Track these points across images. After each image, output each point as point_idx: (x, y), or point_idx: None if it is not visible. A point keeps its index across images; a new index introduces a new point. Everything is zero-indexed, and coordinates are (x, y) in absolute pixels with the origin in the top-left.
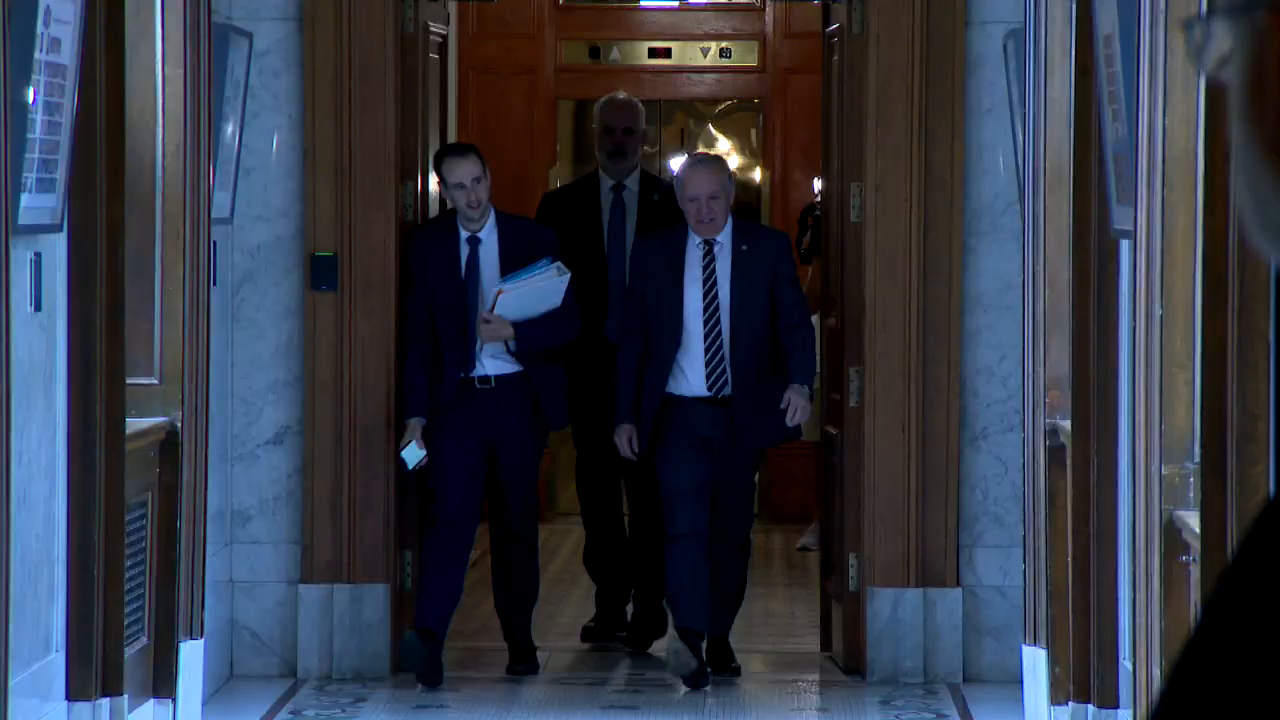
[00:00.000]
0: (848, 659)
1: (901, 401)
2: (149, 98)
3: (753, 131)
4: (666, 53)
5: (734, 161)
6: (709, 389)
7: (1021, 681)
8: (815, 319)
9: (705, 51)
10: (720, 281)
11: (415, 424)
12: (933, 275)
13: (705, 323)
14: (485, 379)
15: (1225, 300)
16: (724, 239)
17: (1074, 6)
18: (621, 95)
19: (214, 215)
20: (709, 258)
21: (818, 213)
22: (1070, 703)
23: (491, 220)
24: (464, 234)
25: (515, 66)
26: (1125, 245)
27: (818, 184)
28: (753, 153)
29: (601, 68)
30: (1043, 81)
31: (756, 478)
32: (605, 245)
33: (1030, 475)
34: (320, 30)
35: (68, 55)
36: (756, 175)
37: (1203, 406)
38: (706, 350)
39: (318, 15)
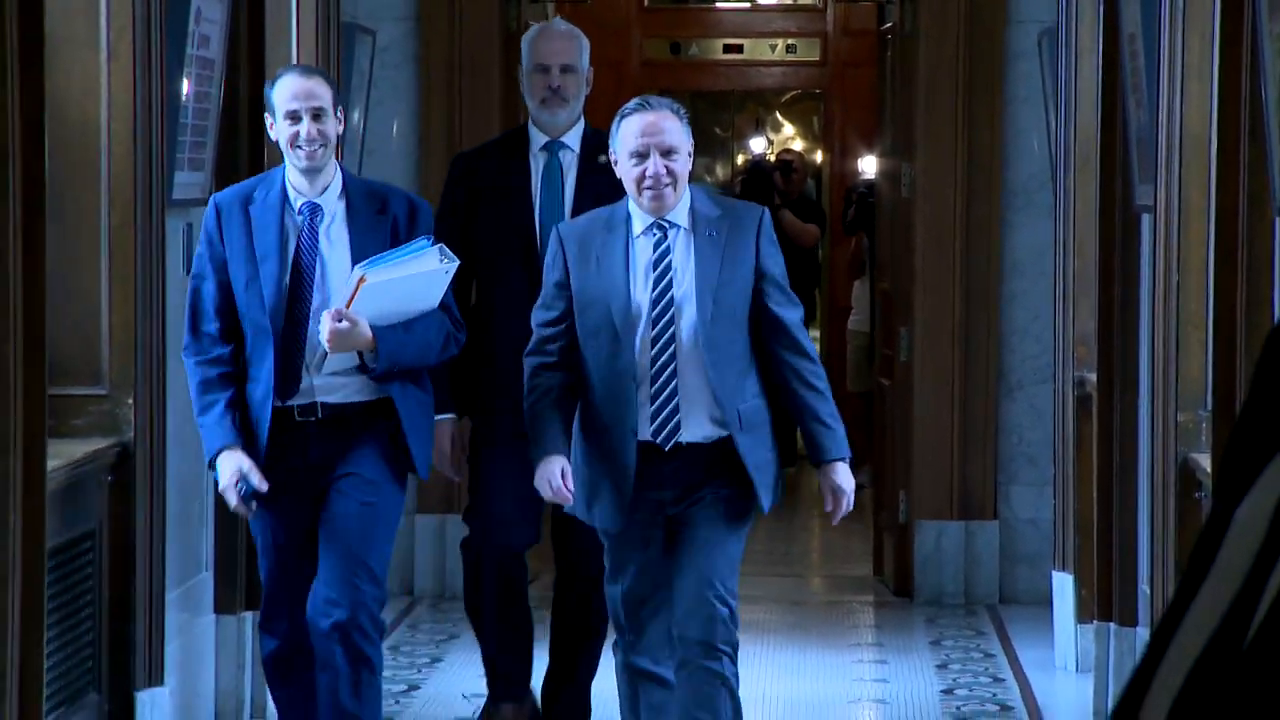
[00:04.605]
0: (897, 583)
1: (946, 356)
2: None
3: (815, 119)
4: (739, 48)
5: (798, 144)
6: (654, 434)
7: (1051, 603)
8: (864, 283)
9: (773, 47)
10: (678, 282)
11: (232, 460)
12: (974, 245)
13: (653, 342)
14: (309, 409)
15: (1235, 268)
16: (682, 220)
17: (1101, 7)
18: (560, 23)
19: None
20: (662, 247)
21: (862, 189)
22: (1094, 622)
23: (338, 182)
24: (296, 200)
25: (604, 60)
26: (1146, 219)
27: (861, 164)
28: (815, 137)
29: (681, 61)
30: (1073, 74)
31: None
32: (537, 222)
33: (1060, 421)
34: (434, 29)
35: (215, 50)
36: (818, 157)
37: (1214, 361)
38: (653, 380)
39: (432, 15)
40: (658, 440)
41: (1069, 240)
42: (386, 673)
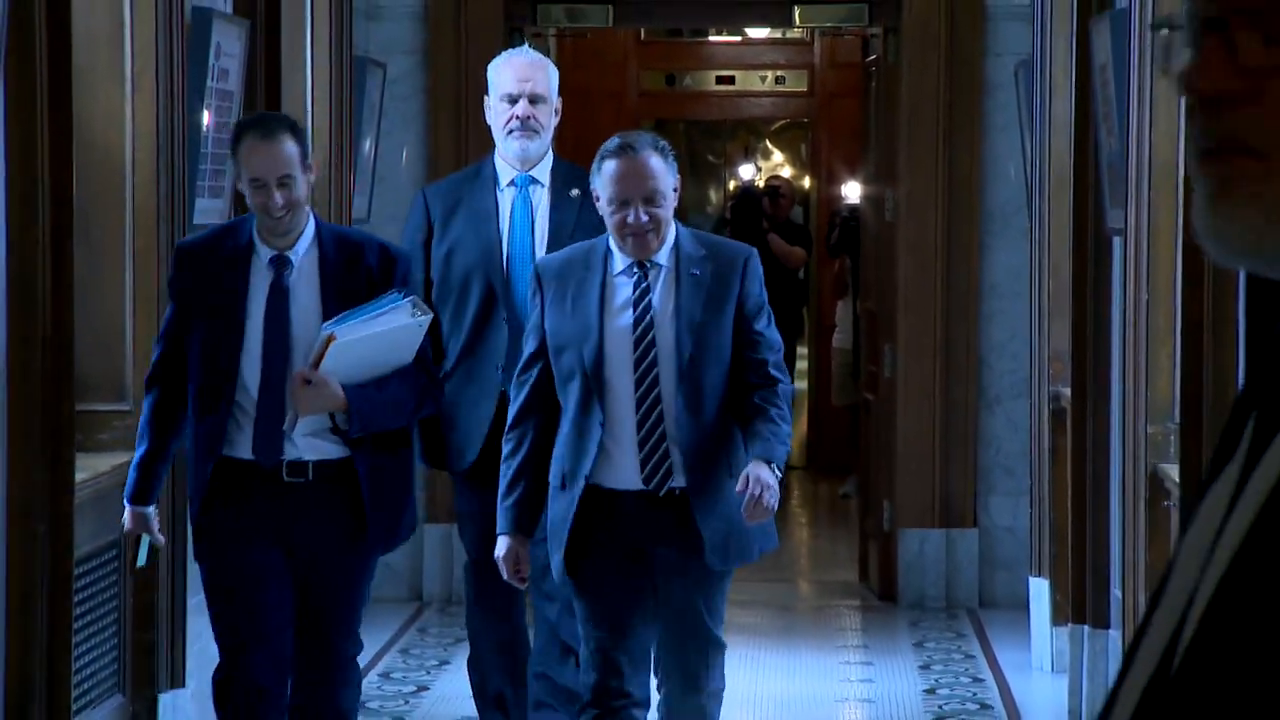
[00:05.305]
0: (882, 588)
1: (928, 372)
2: (300, 118)
3: (802, 146)
4: (731, 80)
5: (786, 171)
6: (645, 480)
7: (1028, 607)
8: (846, 303)
9: (763, 79)
10: (659, 322)
11: (137, 516)
12: (955, 266)
13: (636, 384)
14: (299, 466)
15: (1202, 287)
16: (665, 260)
17: (1074, 40)
18: (528, 50)
19: (353, 215)
20: (642, 286)
21: (844, 214)
22: (1069, 624)
23: (311, 232)
24: (264, 252)
25: (604, 91)
26: (1117, 241)
27: (844, 189)
28: (802, 164)
29: (676, 92)
30: (1048, 103)
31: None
32: (504, 262)
33: (1036, 434)
34: (442, 62)
35: (234, 83)
36: (806, 183)
37: (1182, 376)
38: (640, 425)
39: (440, 49)
40: (650, 486)
41: (1044, 262)
42: (397, 674)
